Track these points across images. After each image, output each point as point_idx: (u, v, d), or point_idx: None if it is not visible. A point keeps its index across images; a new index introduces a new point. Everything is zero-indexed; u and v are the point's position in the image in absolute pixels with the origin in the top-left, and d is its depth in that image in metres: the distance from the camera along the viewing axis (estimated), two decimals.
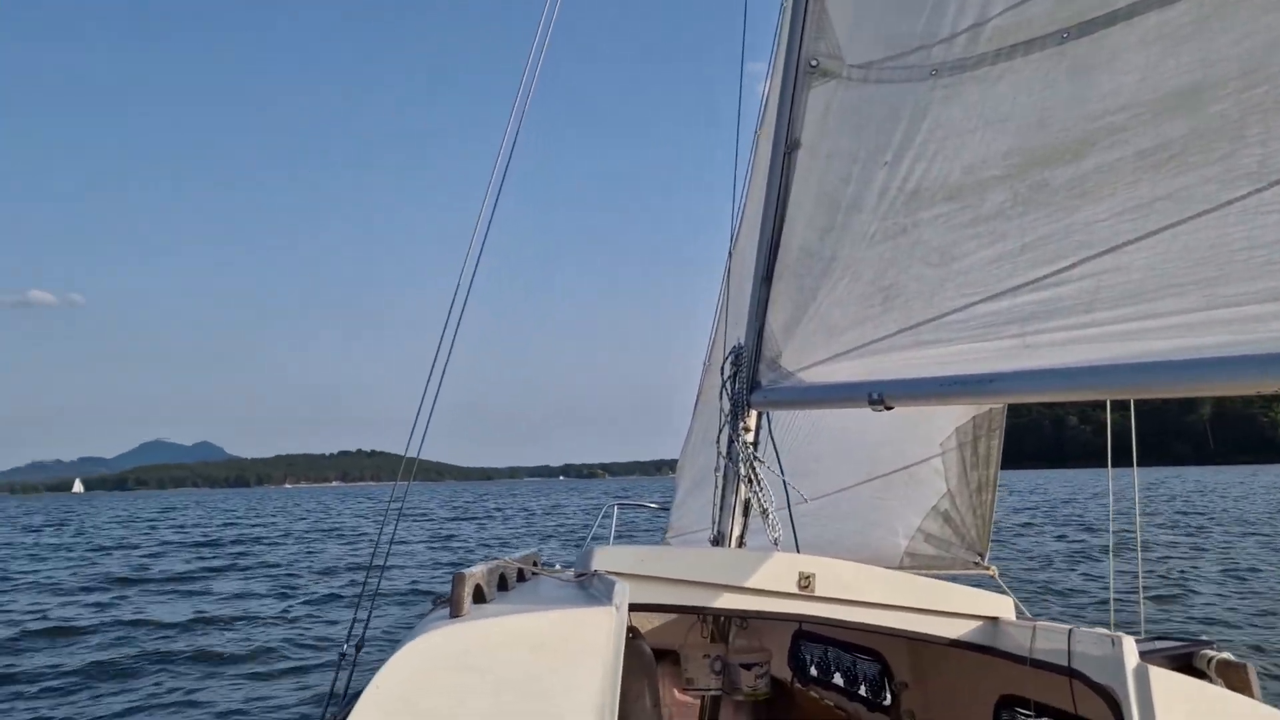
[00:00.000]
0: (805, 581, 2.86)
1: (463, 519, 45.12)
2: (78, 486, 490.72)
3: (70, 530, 43.98)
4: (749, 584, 2.84)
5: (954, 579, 3.38)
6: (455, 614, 1.98)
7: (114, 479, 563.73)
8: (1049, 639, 2.78)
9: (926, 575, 3.27)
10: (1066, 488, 65.20)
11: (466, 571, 2.09)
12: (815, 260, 3.31)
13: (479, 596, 2.10)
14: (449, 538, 31.03)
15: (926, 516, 5.10)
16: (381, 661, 1.83)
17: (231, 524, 46.75)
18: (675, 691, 4.29)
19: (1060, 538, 24.91)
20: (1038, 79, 2.62)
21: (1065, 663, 2.67)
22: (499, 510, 54.43)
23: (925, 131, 2.92)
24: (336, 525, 42.47)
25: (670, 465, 6.61)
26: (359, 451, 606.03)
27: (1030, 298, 2.57)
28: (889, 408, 2.80)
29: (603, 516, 5.76)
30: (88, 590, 18.24)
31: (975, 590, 3.13)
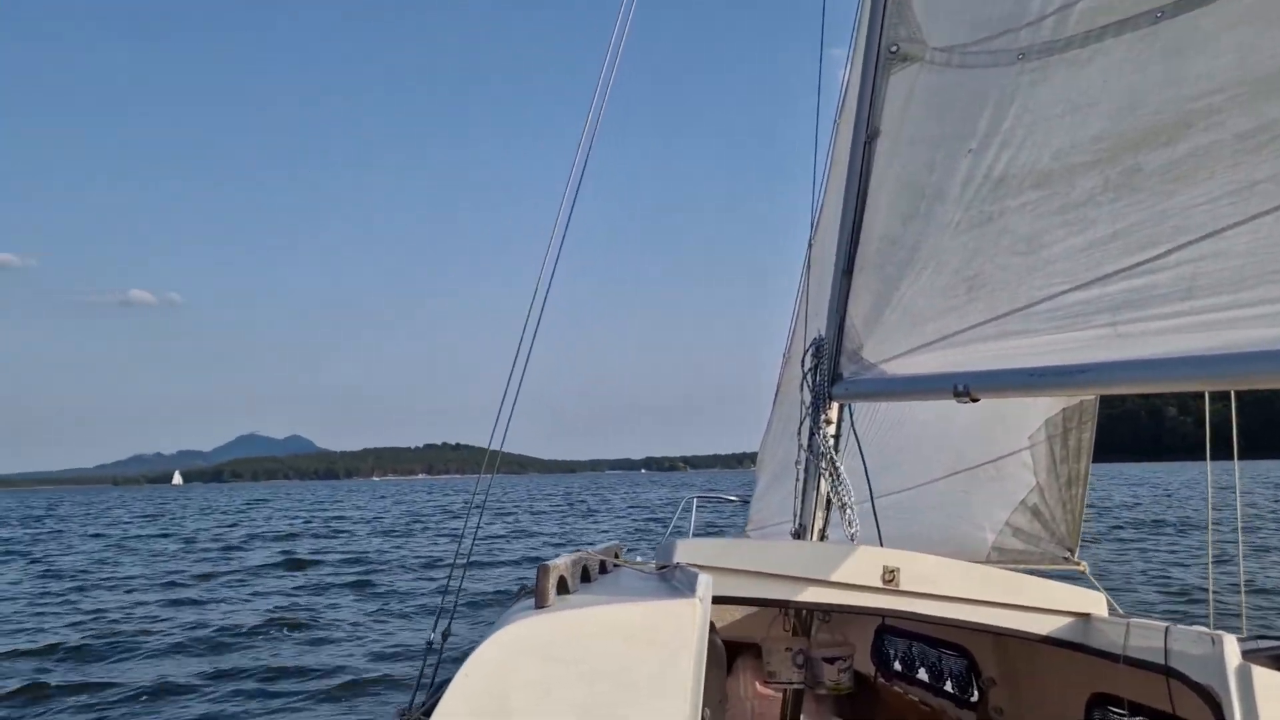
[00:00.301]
0: (889, 576, 2.83)
1: (545, 511, 45.63)
2: (177, 479, 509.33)
3: (193, 515, 45.78)
4: (832, 578, 2.82)
5: (1043, 574, 3.31)
6: (540, 604, 2.00)
7: (210, 471, 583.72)
8: (1144, 636, 2.70)
9: (1014, 570, 3.20)
10: (1164, 481, 63.07)
11: (551, 563, 2.11)
12: (897, 250, 3.26)
13: (562, 588, 2.12)
14: (531, 530, 31.41)
15: (1014, 511, 4.98)
16: (468, 651, 1.86)
17: (320, 514, 48.08)
18: (757, 684, 4.28)
19: (1155, 533, 24.14)
20: (1130, 61, 2.54)
21: (1162, 661, 2.60)
22: (581, 503, 54.86)
23: (1012, 117, 2.85)
24: (421, 517, 43.35)
25: (750, 458, 6.59)
26: (444, 444, 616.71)
27: (1123, 285, 2.50)
28: (975, 399, 2.75)
29: (682, 510, 5.76)
30: (188, 578, 18.98)
31: (1066, 585, 3.06)
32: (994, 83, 2.92)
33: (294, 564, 21.45)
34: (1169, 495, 42.93)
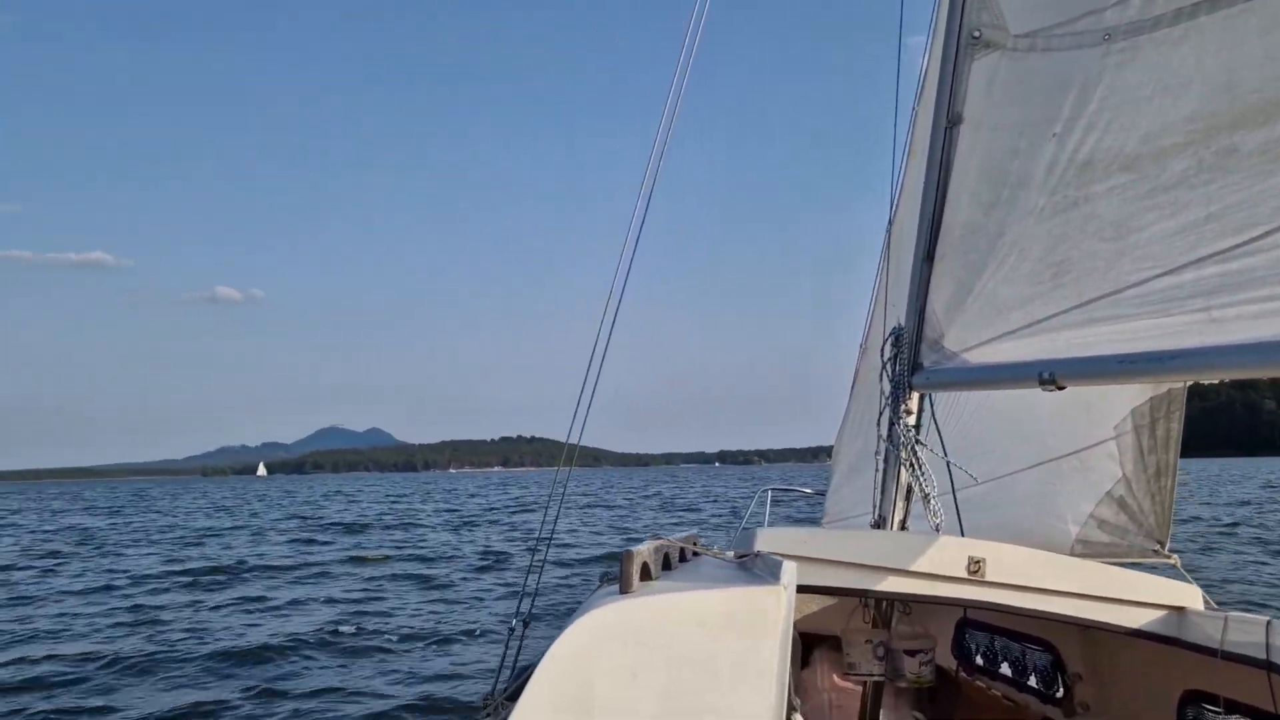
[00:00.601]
0: (975, 566, 2.80)
1: (619, 503, 45.88)
2: (261, 470, 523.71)
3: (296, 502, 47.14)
4: (916, 568, 2.80)
5: (1131, 568, 3.24)
6: (625, 590, 2.02)
7: (293, 463, 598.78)
8: (1244, 631, 2.63)
9: (1104, 563, 3.14)
10: (1261, 475, 60.78)
11: (635, 549, 2.13)
12: (980, 238, 3.21)
13: (645, 574, 2.14)
14: (607, 521, 31.62)
15: (1100, 503, 4.87)
16: (550, 637, 1.89)
17: (398, 505, 49.08)
18: (835, 677, 4.26)
19: (1253, 527, 23.29)
20: (1225, 38, 2.46)
21: (1264, 656, 2.52)
22: (655, 495, 55.00)
23: (1098, 100, 2.79)
24: (496, 509, 43.93)
25: (825, 452, 6.54)
26: (519, 437, 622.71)
27: (1217, 269, 2.43)
28: (1061, 388, 2.70)
29: (756, 502, 5.74)
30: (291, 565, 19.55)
31: (1159, 578, 2.99)
32: (1079, 65, 2.86)
33: (371, 553, 21.90)
34: (1264, 489, 41.35)
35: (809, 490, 6.98)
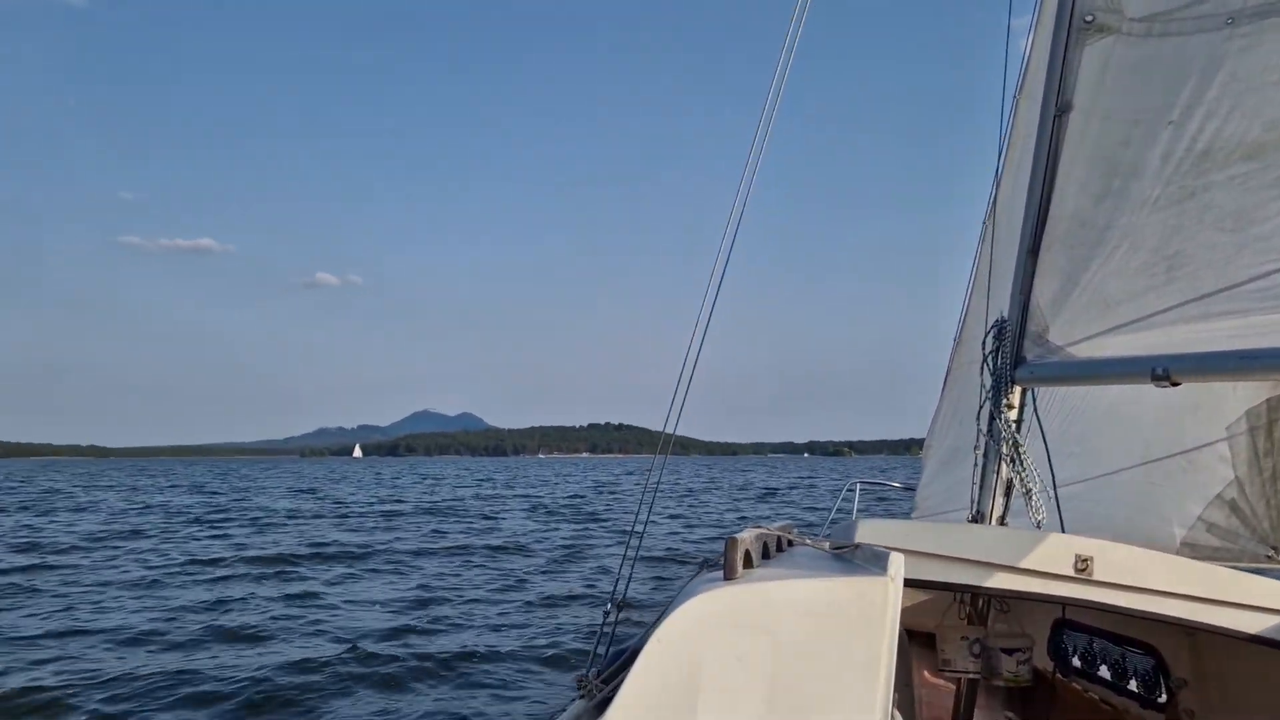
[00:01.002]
0: (1083, 565, 2.73)
1: (709, 491, 45.92)
2: (357, 452, 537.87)
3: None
4: (1022, 564, 2.75)
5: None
6: (728, 577, 2.02)
7: (387, 445, 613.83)
8: None
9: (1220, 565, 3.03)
10: None
11: (738, 536, 2.13)
12: (1088, 229, 3.12)
13: (747, 561, 2.14)
14: (696, 510, 31.67)
15: (1209, 505, 4.70)
16: (643, 621, 1.91)
17: (488, 488, 49.95)
18: (926, 673, 4.21)
19: None
20: None
21: None
22: (748, 486, 54.81)
23: (1218, 86, 2.69)
24: (582, 494, 44.36)
25: (918, 444, 6.45)
26: (607, 424, 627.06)
27: None
28: (1175, 384, 2.62)
29: (844, 495, 5.69)
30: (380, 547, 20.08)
31: (1276, 583, 2.87)
32: (1198, 51, 2.76)
33: (461, 537, 22.34)
34: None
35: (898, 484, 6.89)
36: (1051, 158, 3.29)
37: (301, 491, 48.87)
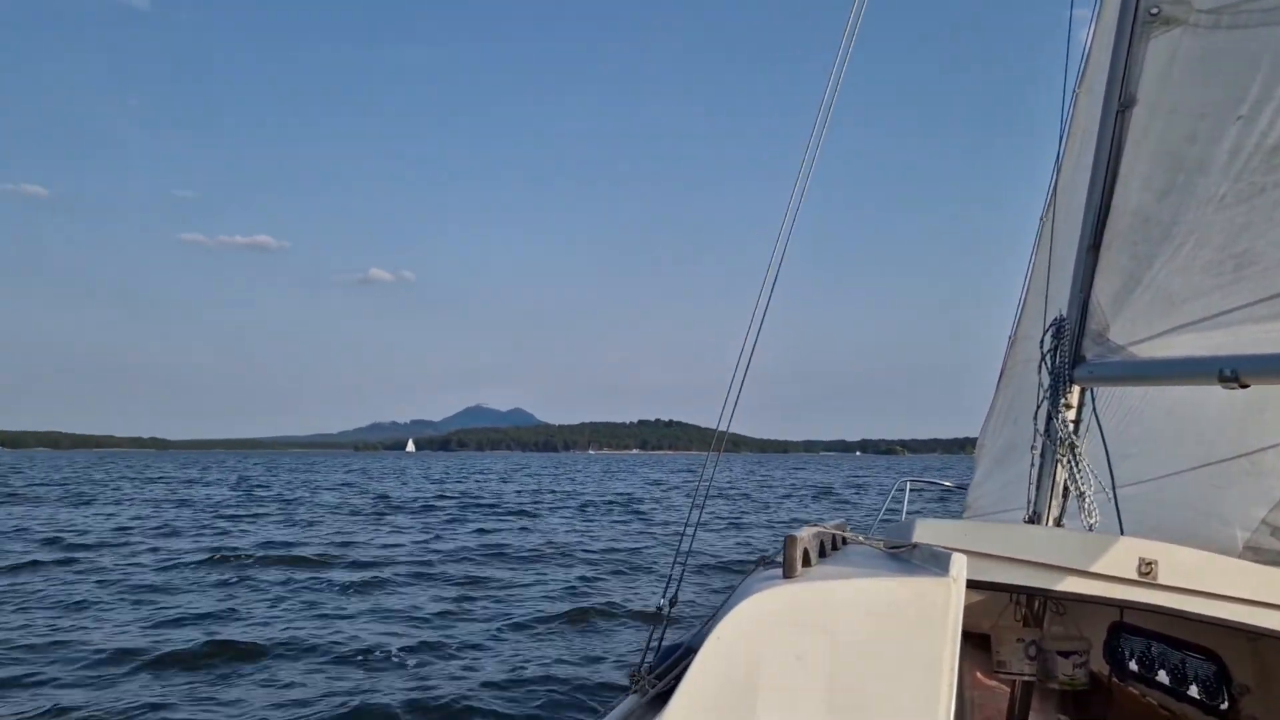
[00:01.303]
0: (1147, 568, 2.68)
1: (761, 489, 45.80)
2: (410, 446, 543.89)
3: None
4: (1084, 566, 2.70)
5: None
6: (788, 574, 2.02)
7: (440, 440, 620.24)
8: None
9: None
10: None
11: (797, 534, 2.13)
12: (1152, 226, 3.06)
13: (805, 560, 2.14)
14: (746, 508, 31.61)
15: (1274, 509, 4.57)
16: (696, 617, 1.91)
17: (541, 483, 50.29)
18: (978, 675, 4.17)
19: None
20: None
21: None
22: (800, 484, 54.55)
23: None
24: (630, 491, 44.45)
25: (973, 444, 6.38)
26: (657, 421, 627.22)
27: None
28: (1244, 385, 2.55)
29: (893, 495, 5.63)
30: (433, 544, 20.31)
31: None
32: (1270, 43, 2.69)
33: (508, 534, 22.51)
34: None
35: (948, 483, 6.80)
36: (1114, 153, 3.22)
37: (347, 485, 49.59)
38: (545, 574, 15.14)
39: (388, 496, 38.51)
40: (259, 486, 46.73)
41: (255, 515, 27.77)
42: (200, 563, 16.03)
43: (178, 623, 10.84)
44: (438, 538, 21.41)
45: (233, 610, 11.64)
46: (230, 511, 29.08)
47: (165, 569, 15.34)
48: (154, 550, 18.19)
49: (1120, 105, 3.19)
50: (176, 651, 9.35)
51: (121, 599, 12.43)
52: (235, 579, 14.30)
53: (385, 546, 19.13)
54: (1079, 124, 4.55)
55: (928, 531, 2.70)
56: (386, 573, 15.16)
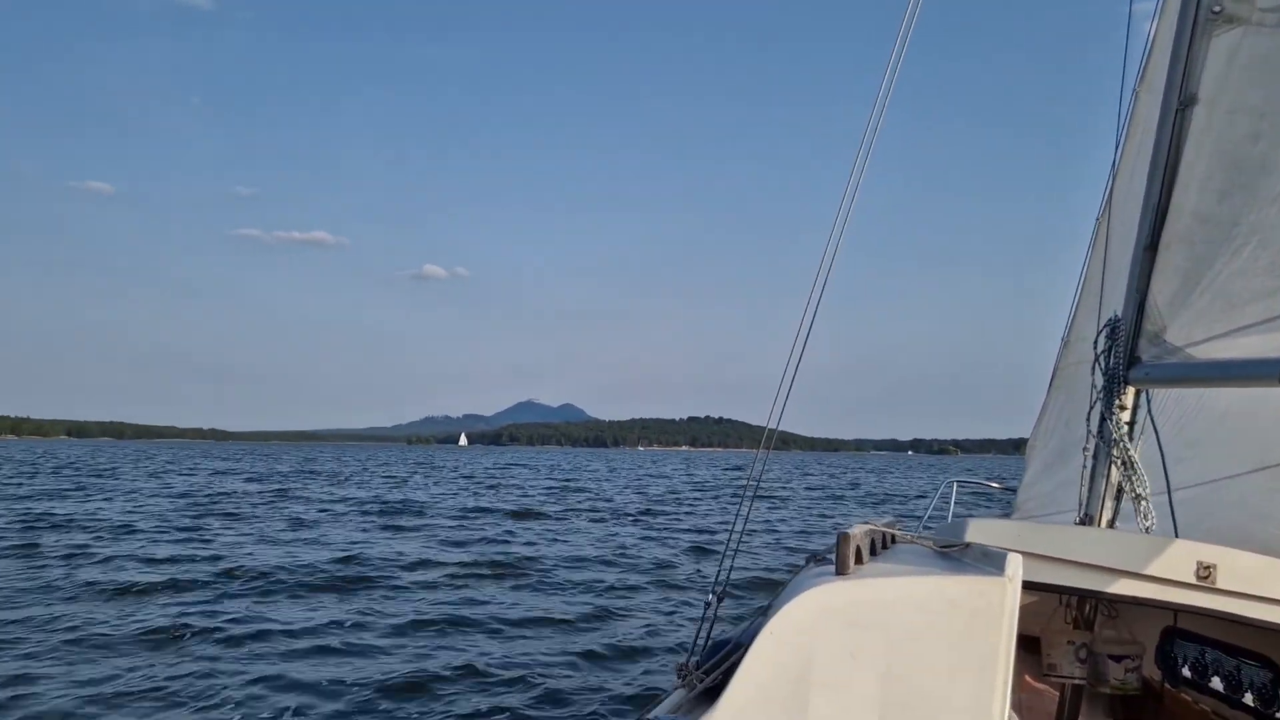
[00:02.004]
0: (1205, 572, 2.64)
1: (811, 488, 45.53)
2: (463, 440, 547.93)
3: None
4: (1140, 569, 2.67)
5: None
6: (841, 571, 2.02)
7: (491, 434, 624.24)
8: None
9: None
10: None
11: (850, 531, 2.13)
12: (1212, 227, 3.02)
13: (858, 557, 2.14)
14: (794, 505, 31.45)
15: None
16: (743, 613, 1.93)
17: (584, 478, 50.46)
18: (1026, 677, 4.13)
19: None
20: None
21: None
22: (855, 484, 54.08)
23: None
24: (680, 490, 44.41)
25: (1026, 444, 6.31)
26: (706, 418, 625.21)
27: None
28: None
29: (940, 495, 5.58)
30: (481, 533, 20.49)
31: None
32: None
33: (555, 527, 22.61)
34: None
35: (996, 484, 6.71)
36: (1173, 152, 3.18)
37: (398, 481, 50.03)
38: (587, 569, 15.16)
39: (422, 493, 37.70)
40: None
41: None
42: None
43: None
44: (478, 534, 21.51)
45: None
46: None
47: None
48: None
49: (1180, 104, 3.14)
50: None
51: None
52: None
53: (438, 533, 19.35)
54: (1139, 122, 4.49)
55: (980, 531, 2.69)
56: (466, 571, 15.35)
